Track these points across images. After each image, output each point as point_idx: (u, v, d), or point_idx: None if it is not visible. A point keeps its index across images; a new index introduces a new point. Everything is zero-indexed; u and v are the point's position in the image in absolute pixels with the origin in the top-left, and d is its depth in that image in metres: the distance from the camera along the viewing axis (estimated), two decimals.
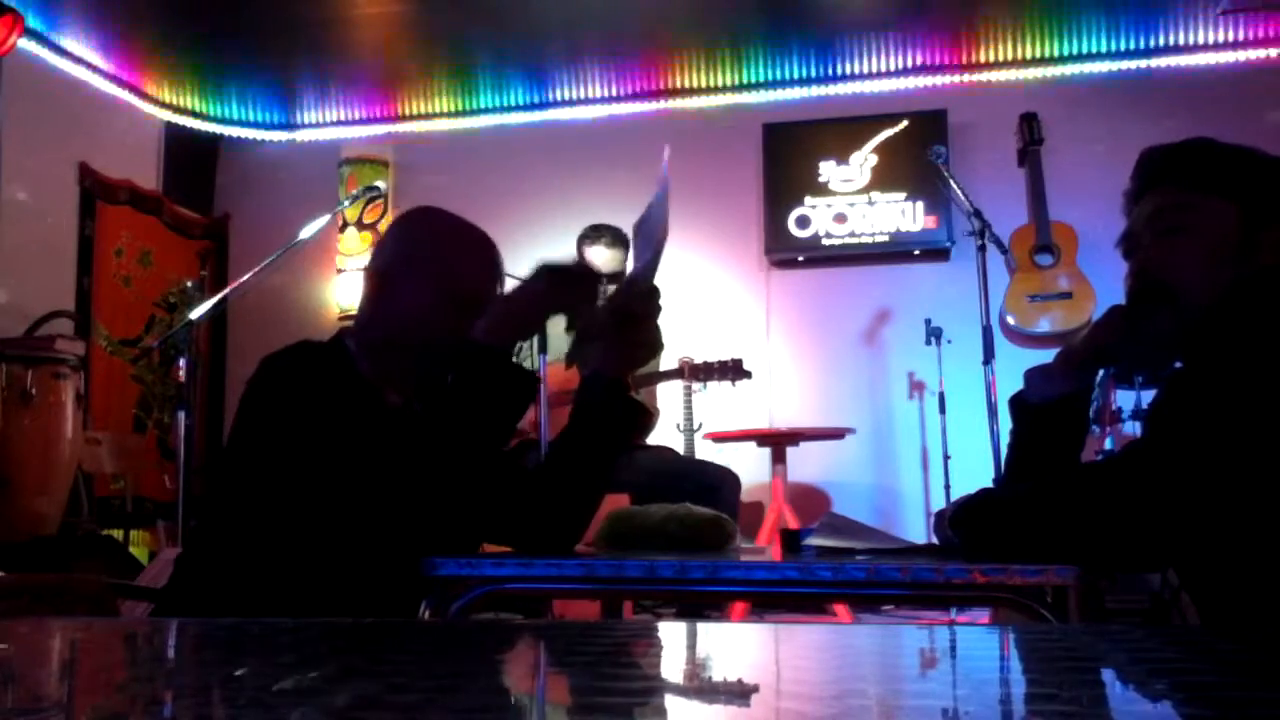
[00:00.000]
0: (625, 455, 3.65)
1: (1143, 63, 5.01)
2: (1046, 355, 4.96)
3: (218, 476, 1.53)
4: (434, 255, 1.54)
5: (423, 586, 1.39)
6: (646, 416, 1.63)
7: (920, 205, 5.09)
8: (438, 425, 1.41)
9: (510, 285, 1.56)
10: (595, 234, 3.64)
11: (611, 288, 3.70)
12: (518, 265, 1.59)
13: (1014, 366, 5.26)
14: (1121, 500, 1.20)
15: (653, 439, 3.74)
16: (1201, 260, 1.32)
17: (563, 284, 1.51)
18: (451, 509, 1.44)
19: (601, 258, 3.60)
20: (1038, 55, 5.11)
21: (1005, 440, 3.64)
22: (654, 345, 1.59)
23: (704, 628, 1.12)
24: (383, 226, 5.64)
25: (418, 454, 1.38)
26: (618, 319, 1.54)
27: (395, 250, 1.56)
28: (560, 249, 3.71)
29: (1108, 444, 4.08)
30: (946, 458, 4.47)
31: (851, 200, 5.18)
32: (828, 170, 5.22)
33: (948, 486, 4.39)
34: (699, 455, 4.31)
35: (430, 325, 1.50)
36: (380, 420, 1.46)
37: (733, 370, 3.62)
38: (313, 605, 1.35)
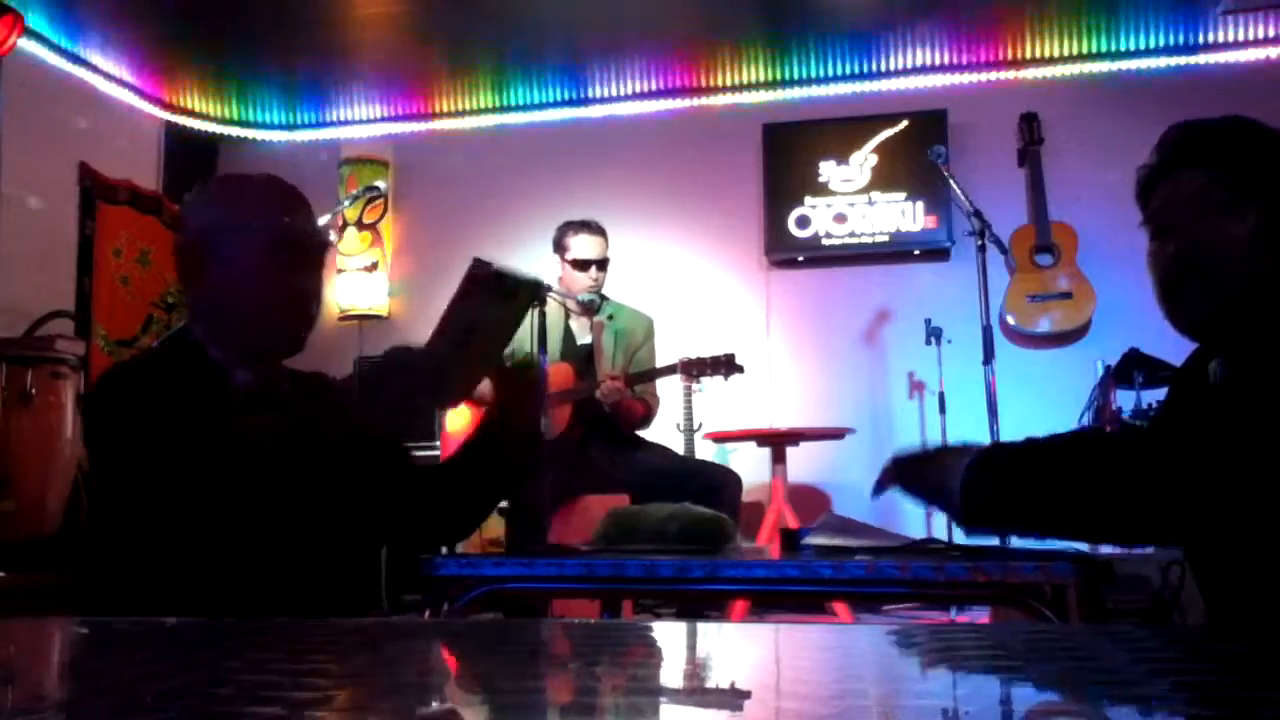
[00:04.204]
0: (625, 454, 3.66)
1: (1143, 63, 5.01)
2: (1046, 355, 4.98)
3: (96, 501, 1.53)
4: (233, 211, 1.51)
5: (334, 583, 1.39)
6: (538, 453, 1.63)
7: (920, 205, 5.09)
8: (297, 410, 1.38)
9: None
10: (575, 226, 3.67)
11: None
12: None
13: (1014, 366, 5.27)
14: (1156, 469, 1.18)
15: (653, 439, 3.75)
16: (1247, 243, 1.29)
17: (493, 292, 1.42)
18: (318, 497, 1.41)
19: (588, 245, 3.62)
20: (1038, 55, 5.10)
21: (1005, 440, 3.59)
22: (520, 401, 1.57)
23: (704, 628, 1.12)
24: (383, 227, 5.64)
25: (268, 434, 1.35)
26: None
27: (196, 221, 1.54)
28: None
29: None
30: None
31: (851, 200, 5.17)
32: (828, 170, 5.22)
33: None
34: (699, 455, 4.31)
35: (253, 283, 1.47)
36: (222, 407, 1.42)
37: (725, 365, 3.63)
38: (205, 601, 1.32)
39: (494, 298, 1.39)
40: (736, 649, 0.76)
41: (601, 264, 3.63)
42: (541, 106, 5.57)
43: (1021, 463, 1.28)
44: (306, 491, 1.36)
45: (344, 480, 1.40)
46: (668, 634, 0.89)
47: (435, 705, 0.50)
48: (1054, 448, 1.29)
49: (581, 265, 3.60)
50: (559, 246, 3.66)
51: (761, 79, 5.35)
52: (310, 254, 1.53)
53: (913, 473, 1.38)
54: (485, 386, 1.63)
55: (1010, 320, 4.84)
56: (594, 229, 3.65)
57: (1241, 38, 4.92)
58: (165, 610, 1.32)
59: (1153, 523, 1.23)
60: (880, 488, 1.40)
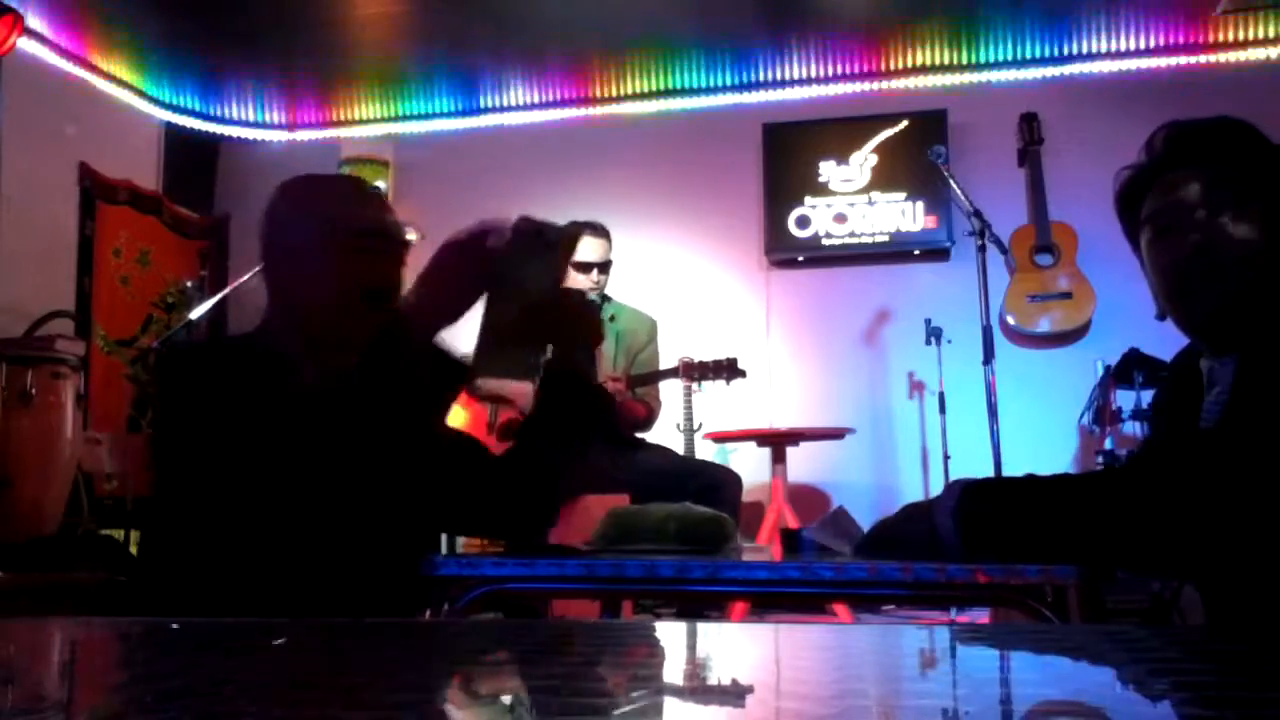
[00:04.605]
0: (625, 454, 3.66)
1: (1143, 63, 5.01)
2: (1046, 355, 4.95)
3: (156, 484, 1.51)
4: (311, 208, 1.54)
5: (402, 580, 1.38)
6: (610, 404, 1.61)
7: (920, 205, 5.09)
8: (352, 400, 1.37)
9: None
10: (582, 227, 3.64)
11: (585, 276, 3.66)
12: None
13: (1014, 366, 5.25)
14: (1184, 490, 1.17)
15: (653, 439, 3.74)
16: (1254, 242, 1.28)
17: (465, 259, 1.43)
18: (386, 490, 1.40)
19: (590, 247, 3.61)
20: (1038, 55, 5.11)
21: (1005, 440, 3.61)
22: (575, 332, 1.56)
23: (704, 628, 1.12)
24: None
25: (339, 430, 1.34)
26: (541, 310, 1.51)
27: (276, 220, 1.56)
28: None
29: (1108, 444, 4.08)
30: (946, 458, 4.47)
31: (851, 200, 5.18)
32: (828, 170, 5.22)
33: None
34: (699, 455, 4.31)
35: (330, 274, 1.48)
36: (292, 400, 1.41)
37: (727, 369, 3.63)
38: (275, 603, 1.33)
39: (536, 250, 1.45)
40: (736, 649, 0.76)
41: (604, 266, 3.62)
42: (542, 106, 5.57)
43: (1022, 500, 1.26)
44: (374, 479, 1.37)
45: (413, 465, 1.40)
46: (668, 634, 0.89)
47: (436, 705, 0.50)
48: (1056, 485, 1.27)
49: (583, 268, 3.59)
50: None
51: (761, 79, 5.35)
52: (391, 245, 1.54)
53: (889, 542, 1.36)
54: (514, 387, 1.64)
55: (1010, 320, 4.84)
56: (598, 231, 3.63)
57: (1241, 38, 4.92)
58: (228, 601, 1.33)
59: (1167, 556, 1.22)
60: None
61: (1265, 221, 1.30)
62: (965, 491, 1.28)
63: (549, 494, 1.60)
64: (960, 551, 1.26)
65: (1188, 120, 1.39)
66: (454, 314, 1.41)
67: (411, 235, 1.59)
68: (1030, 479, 1.28)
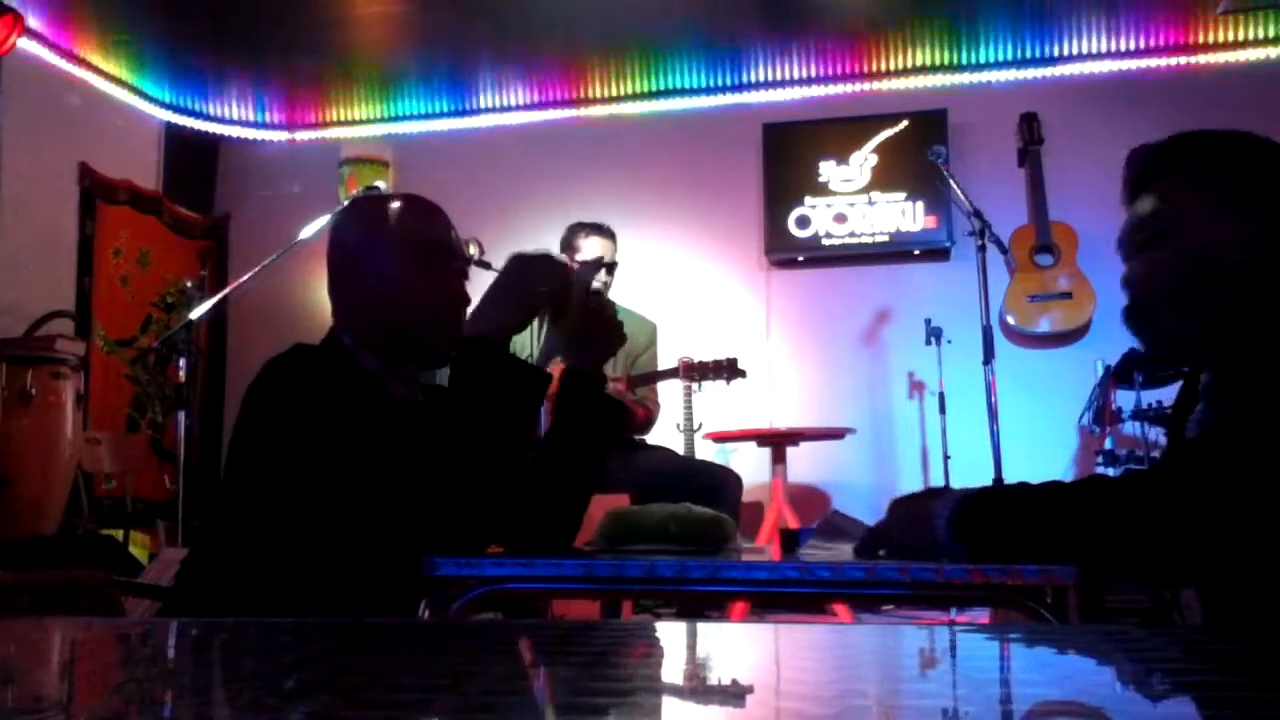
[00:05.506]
0: (625, 455, 3.67)
1: (1143, 63, 5.01)
2: (1046, 355, 4.96)
3: (225, 479, 1.53)
4: (384, 226, 1.58)
5: (423, 586, 1.39)
6: (624, 413, 1.66)
7: (920, 205, 5.09)
8: (442, 417, 1.43)
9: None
10: (586, 228, 3.65)
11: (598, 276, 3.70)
12: None
13: (1014, 366, 5.26)
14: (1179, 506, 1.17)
15: (653, 439, 3.74)
16: (1249, 248, 1.26)
17: (534, 271, 1.52)
18: (462, 503, 1.44)
19: (598, 248, 3.61)
20: (1038, 55, 5.11)
21: (1005, 440, 3.59)
22: (612, 339, 1.62)
23: (704, 628, 1.12)
24: None
25: (424, 445, 1.39)
26: (578, 315, 1.57)
27: (348, 238, 1.59)
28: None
29: (1108, 444, 4.08)
30: (946, 458, 4.47)
31: (851, 200, 5.18)
32: (828, 170, 5.22)
33: (948, 486, 4.38)
34: (699, 455, 4.31)
35: (410, 290, 1.53)
36: (386, 414, 1.47)
37: (727, 369, 3.63)
38: (321, 605, 1.35)
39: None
40: (736, 649, 0.76)
41: (610, 267, 3.62)
42: (541, 106, 5.57)
43: (1022, 512, 1.24)
44: (472, 493, 1.42)
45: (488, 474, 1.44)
46: (667, 634, 0.89)
47: (436, 705, 0.50)
48: (1052, 495, 1.26)
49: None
50: (568, 247, 3.65)
51: (761, 79, 5.35)
52: (459, 262, 1.60)
53: (891, 539, 1.34)
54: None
55: (1010, 320, 4.84)
56: (605, 232, 3.64)
57: (1241, 38, 4.92)
58: (262, 599, 1.36)
59: (1163, 564, 1.21)
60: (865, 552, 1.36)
61: (1256, 225, 1.28)
62: (961, 504, 1.27)
63: (578, 502, 1.63)
64: (962, 559, 1.25)
65: (1149, 144, 1.39)
66: (523, 323, 1.53)
67: (472, 250, 1.67)
68: (1025, 488, 1.27)
